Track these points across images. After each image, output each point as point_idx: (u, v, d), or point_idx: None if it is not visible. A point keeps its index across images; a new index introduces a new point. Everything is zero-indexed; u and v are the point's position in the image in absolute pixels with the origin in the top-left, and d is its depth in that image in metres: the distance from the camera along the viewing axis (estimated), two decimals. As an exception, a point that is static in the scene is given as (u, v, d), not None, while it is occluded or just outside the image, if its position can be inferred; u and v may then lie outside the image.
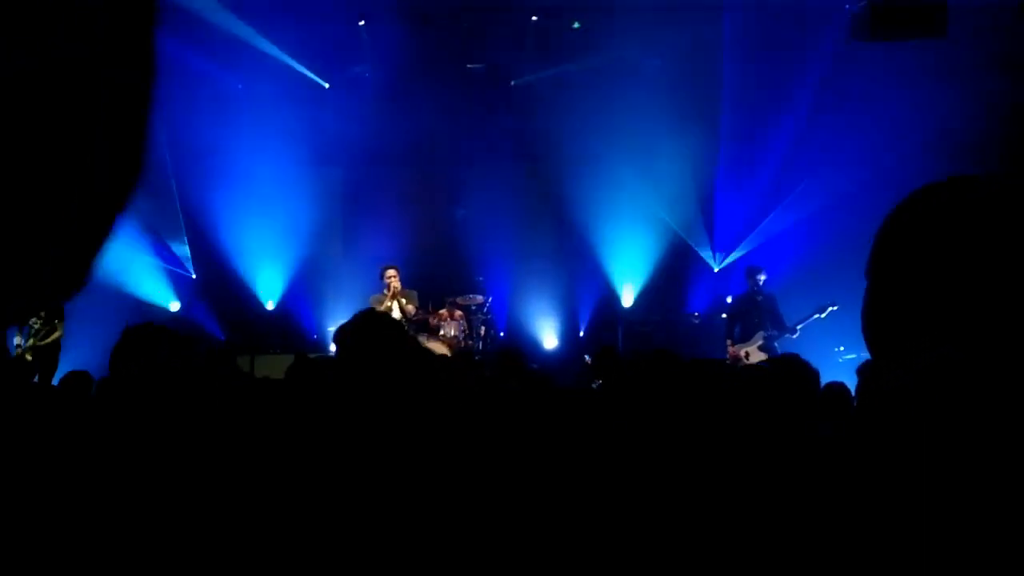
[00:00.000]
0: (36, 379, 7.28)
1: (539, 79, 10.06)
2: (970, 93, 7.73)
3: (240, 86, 9.77)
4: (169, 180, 9.73)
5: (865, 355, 7.95)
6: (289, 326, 10.33)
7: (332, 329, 10.14)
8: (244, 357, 7.83)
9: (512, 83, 10.20)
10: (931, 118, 7.89)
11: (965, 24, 7.54)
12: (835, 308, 7.32)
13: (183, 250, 10.27)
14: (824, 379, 3.48)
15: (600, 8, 9.21)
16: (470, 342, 8.85)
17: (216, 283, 10.26)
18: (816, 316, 7.44)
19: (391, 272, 7.88)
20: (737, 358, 7.57)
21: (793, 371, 2.87)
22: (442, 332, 8.46)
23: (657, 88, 9.54)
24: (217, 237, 10.19)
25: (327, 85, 10.23)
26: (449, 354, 7.77)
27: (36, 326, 7.34)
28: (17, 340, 7.38)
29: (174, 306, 10.20)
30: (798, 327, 7.52)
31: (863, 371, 3.26)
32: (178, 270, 10.28)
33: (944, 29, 7.45)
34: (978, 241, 0.73)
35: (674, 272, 10.23)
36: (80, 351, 7.40)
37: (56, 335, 7.41)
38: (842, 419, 3.00)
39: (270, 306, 10.46)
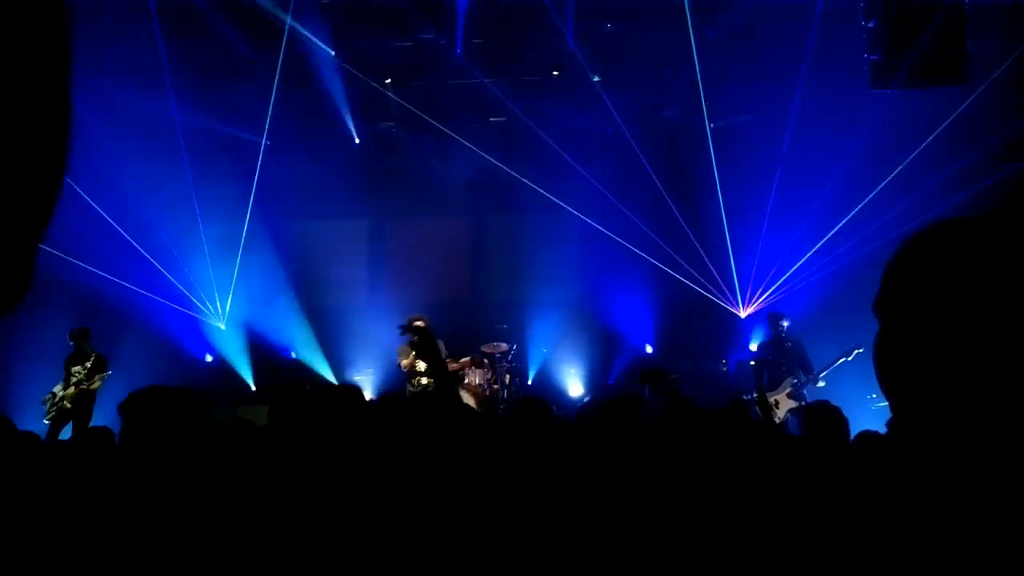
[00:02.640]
0: (71, 426, 7.44)
1: (562, 131, 10.24)
2: (996, 138, 7.72)
3: (268, 142, 10.06)
4: (200, 234, 9.98)
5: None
6: (313, 376, 10.40)
7: (358, 378, 10.21)
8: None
9: (533, 135, 10.38)
10: (958, 161, 7.88)
11: (987, 69, 7.58)
12: (860, 351, 7.21)
13: (214, 303, 10.47)
14: (856, 427, 3.43)
15: (622, 61, 9.41)
16: (495, 387, 8.84)
17: (245, 334, 10.41)
18: (842, 360, 7.33)
19: (419, 324, 7.90)
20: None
21: (824, 419, 2.84)
22: (467, 380, 8.46)
23: (679, 138, 9.67)
24: (246, 288, 10.39)
25: (357, 140, 10.51)
26: (474, 402, 7.77)
27: (80, 375, 7.51)
28: (57, 389, 7.57)
29: (208, 357, 10.38)
30: (822, 375, 7.41)
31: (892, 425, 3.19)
32: (209, 321, 10.46)
33: (966, 76, 7.48)
34: (985, 278, 0.74)
35: (701, 319, 10.18)
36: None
37: (95, 386, 7.57)
38: (874, 470, 2.94)
39: (294, 356, 10.55)
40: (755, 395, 7.63)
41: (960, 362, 0.73)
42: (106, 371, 7.65)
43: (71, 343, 7.67)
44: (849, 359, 7.29)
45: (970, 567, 0.71)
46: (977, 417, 0.72)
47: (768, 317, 8.09)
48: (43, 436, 6.48)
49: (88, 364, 7.59)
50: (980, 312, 0.73)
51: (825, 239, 9.32)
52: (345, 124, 10.38)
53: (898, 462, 0.81)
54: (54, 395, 7.52)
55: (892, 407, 0.82)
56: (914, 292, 0.78)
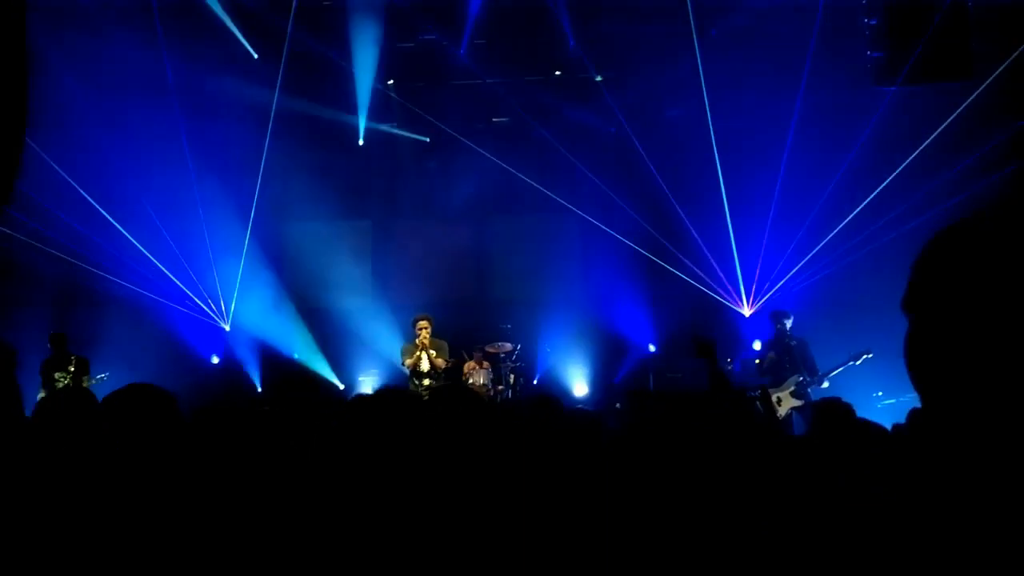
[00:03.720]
0: None
1: (565, 131, 10.24)
2: (1001, 134, 7.69)
3: (271, 143, 10.06)
4: (203, 234, 10.00)
5: (903, 399, 7.74)
6: (317, 377, 10.40)
7: (362, 379, 10.21)
8: None
9: (536, 135, 10.39)
10: (963, 157, 7.85)
11: (991, 65, 7.55)
12: (870, 356, 7.20)
13: (219, 304, 10.48)
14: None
15: (624, 61, 9.41)
16: (500, 387, 8.85)
17: (249, 335, 10.42)
18: (850, 363, 7.31)
19: (423, 323, 7.88)
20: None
21: (833, 415, 2.83)
22: (471, 381, 8.47)
23: (683, 137, 9.67)
24: (250, 290, 10.40)
25: (362, 141, 10.53)
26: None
27: (64, 380, 7.54)
28: (41, 395, 7.59)
29: (214, 359, 10.41)
30: (828, 376, 7.39)
31: (913, 418, 3.16)
32: (212, 322, 10.47)
33: (970, 72, 7.46)
34: (1019, 271, 0.73)
35: (705, 316, 10.16)
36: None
37: (85, 387, 7.61)
38: (882, 465, 2.93)
39: (297, 357, 10.54)
40: (759, 391, 7.60)
41: (994, 357, 0.73)
42: (88, 372, 7.67)
43: (50, 347, 7.69)
44: (857, 363, 7.27)
45: (1000, 562, 0.70)
46: (1012, 411, 0.72)
47: (771, 315, 8.07)
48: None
49: (71, 368, 7.61)
50: (1014, 305, 0.72)
51: (829, 236, 9.30)
52: (349, 125, 10.39)
53: (921, 456, 0.79)
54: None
55: (924, 402, 0.81)
56: (946, 287, 0.77)
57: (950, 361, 0.76)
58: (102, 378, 7.87)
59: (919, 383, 0.80)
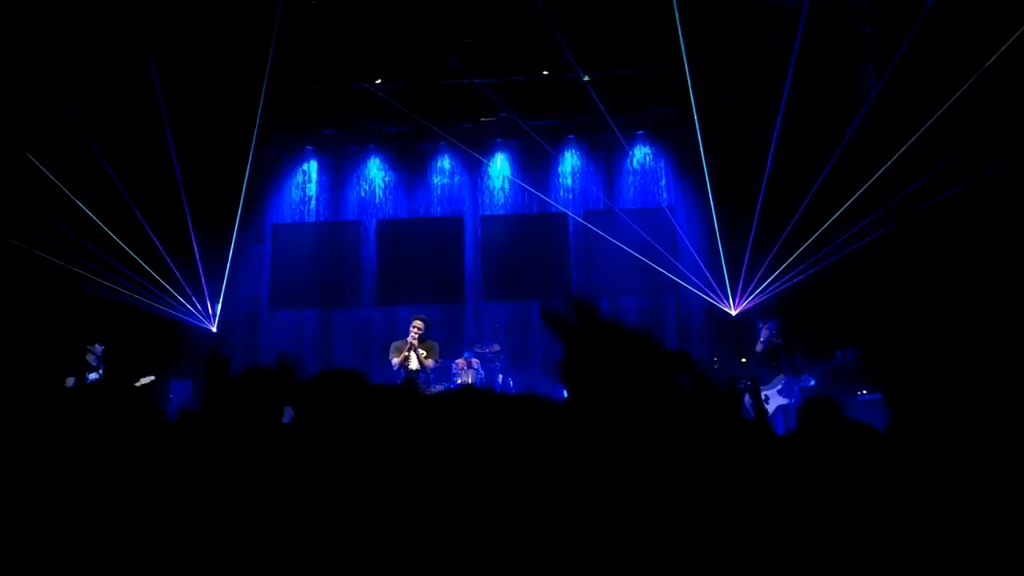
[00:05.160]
0: None
1: (552, 131, 10.25)
2: (986, 131, 7.76)
3: (257, 143, 10.00)
4: (189, 233, 9.93)
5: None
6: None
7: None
8: None
9: (524, 134, 10.39)
10: (948, 155, 7.92)
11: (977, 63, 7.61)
12: (856, 354, 7.27)
13: (204, 306, 10.40)
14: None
15: (610, 60, 9.44)
16: (488, 388, 8.85)
17: (235, 336, 10.36)
18: (835, 362, 7.38)
19: (417, 323, 7.94)
20: None
21: (823, 414, 2.85)
22: (459, 380, 8.48)
23: (670, 134, 9.71)
24: (236, 291, 10.34)
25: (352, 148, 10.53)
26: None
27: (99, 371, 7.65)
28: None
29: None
30: (814, 374, 7.45)
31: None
32: (200, 323, 10.39)
33: (953, 71, 7.52)
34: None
35: (691, 316, 10.21)
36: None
37: None
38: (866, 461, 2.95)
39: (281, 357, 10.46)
40: (748, 384, 7.65)
41: (954, 364, 0.73)
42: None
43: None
44: (844, 362, 7.34)
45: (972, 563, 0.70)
46: (971, 415, 0.72)
47: (758, 315, 8.13)
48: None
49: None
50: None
51: (816, 234, 9.36)
52: (338, 124, 10.36)
53: (895, 459, 0.80)
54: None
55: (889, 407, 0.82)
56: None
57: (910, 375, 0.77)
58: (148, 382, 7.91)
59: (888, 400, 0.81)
